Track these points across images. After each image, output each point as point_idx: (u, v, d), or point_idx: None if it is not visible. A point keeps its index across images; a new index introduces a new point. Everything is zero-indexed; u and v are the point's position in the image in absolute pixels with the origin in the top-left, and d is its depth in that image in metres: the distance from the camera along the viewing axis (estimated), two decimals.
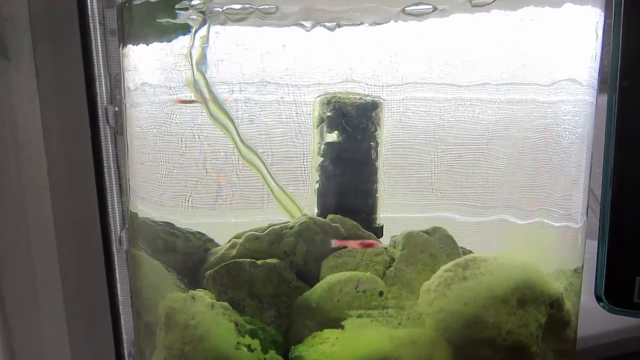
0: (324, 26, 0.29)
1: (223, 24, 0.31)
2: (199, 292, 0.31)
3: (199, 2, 0.31)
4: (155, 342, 0.33)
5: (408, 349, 0.29)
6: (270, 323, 0.31)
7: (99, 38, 0.48)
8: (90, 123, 0.49)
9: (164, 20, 0.32)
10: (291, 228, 0.33)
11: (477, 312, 0.29)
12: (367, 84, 0.31)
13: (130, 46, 0.34)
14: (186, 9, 0.31)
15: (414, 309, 0.30)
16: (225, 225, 0.35)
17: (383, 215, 0.35)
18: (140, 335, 0.36)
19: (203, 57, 0.32)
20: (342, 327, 0.29)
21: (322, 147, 0.34)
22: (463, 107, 0.31)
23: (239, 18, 0.30)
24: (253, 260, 0.32)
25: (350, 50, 0.30)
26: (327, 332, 0.29)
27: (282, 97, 0.31)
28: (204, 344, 0.29)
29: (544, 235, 0.34)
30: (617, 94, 0.34)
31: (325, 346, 0.29)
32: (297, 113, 0.33)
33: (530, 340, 0.30)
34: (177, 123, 0.34)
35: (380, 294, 0.30)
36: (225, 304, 0.31)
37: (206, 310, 0.30)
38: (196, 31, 0.31)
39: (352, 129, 0.34)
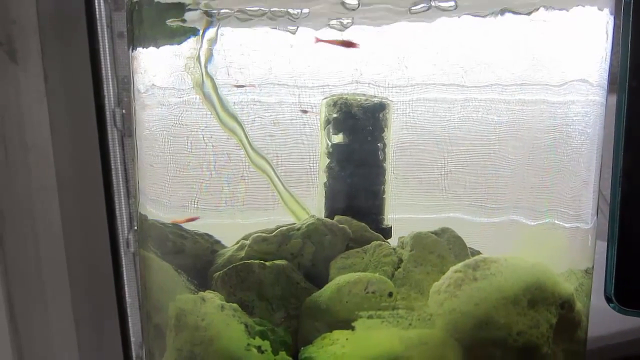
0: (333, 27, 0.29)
1: (231, 25, 0.31)
2: (208, 294, 0.31)
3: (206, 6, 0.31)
4: (164, 344, 0.33)
5: (419, 349, 0.29)
6: (279, 324, 0.31)
7: (106, 41, 0.49)
8: (97, 125, 0.49)
9: (173, 23, 0.32)
10: (298, 229, 0.33)
11: (488, 313, 0.29)
12: (374, 85, 0.31)
13: (139, 49, 0.34)
14: (195, 10, 0.31)
15: (424, 310, 0.30)
16: (234, 226, 0.35)
17: (391, 216, 0.35)
18: (149, 337, 0.36)
19: (211, 59, 0.32)
20: (352, 328, 0.29)
21: (329, 148, 0.34)
22: (472, 107, 0.31)
23: (246, 19, 0.30)
24: (262, 261, 0.32)
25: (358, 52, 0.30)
26: (336, 333, 0.29)
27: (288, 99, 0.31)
28: (214, 346, 0.29)
29: (554, 236, 0.34)
30: (626, 95, 0.34)
31: (335, 347, 0.29)
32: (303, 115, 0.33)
33: (542, 341, 0.29)
34: (186, 125, 0.34)
35: (390, 294, 0.30)
36: (235, 305, 0.31)
37: (216, 312, 0.30)
38: (204, 33, 0.31)
39: (358, 130, 0.34)
